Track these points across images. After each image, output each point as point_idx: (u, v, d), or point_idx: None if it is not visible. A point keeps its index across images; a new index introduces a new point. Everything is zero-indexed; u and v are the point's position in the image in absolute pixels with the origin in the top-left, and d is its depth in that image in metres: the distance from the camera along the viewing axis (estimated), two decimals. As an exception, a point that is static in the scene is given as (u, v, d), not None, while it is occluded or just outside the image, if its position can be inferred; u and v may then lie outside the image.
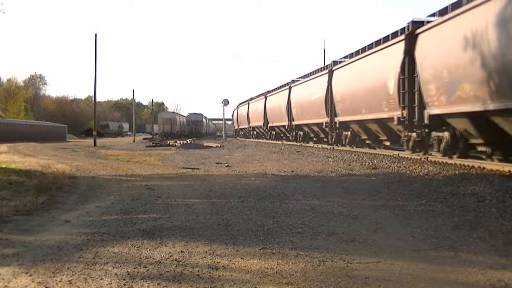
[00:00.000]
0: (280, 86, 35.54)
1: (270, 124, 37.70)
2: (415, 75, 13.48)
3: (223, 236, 4.96)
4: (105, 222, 5.69)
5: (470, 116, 10.91)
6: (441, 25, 12.09)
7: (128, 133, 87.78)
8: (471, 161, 11.04)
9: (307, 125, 27.13)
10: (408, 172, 10.66)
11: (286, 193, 7.86)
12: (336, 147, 20.87)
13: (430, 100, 12.69)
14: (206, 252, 4.33)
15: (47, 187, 8.21)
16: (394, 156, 14.50)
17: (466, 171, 10.04)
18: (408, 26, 14.24)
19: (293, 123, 29.98)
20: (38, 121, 56.72)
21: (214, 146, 29.92)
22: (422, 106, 13.20)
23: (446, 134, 12.54)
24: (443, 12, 12.45)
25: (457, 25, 11.19)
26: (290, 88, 30.84)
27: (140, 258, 4.15)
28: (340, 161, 14.31)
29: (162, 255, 4.22)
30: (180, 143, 33.59)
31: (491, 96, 9.85)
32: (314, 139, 27.07)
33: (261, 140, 39.26)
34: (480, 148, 11.74)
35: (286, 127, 31.67)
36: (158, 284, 3.46)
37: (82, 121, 78.02)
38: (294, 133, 30.60)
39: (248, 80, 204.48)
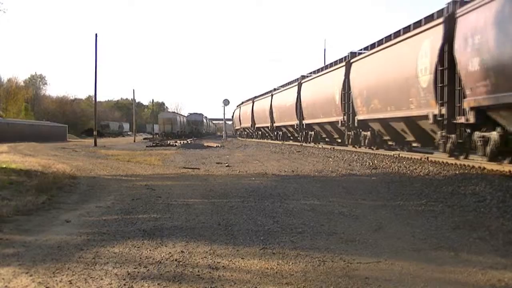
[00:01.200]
0: (265, 93, 41.25)
1: (256, 125, 43.48)
2: (350, 91, 18.96)
3: (223, 236, 4.96)
4: (106, 222, 5.69)
5: (380, 121, 16.19)
6: (362, 60, 17.96)
7: (129, 133, 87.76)
8: (472, 161, 11.08)
9: (285, 126, 32.67)
10: (408, 172, 10.66)
11: (286, 193, 7.86)
12: (337, 147, 21.51)
13: (358, 110, 18.27)
14: (207, 252, 4.33)
15: (47, 187, 8.23)
16: (395, 156, 14.58)
17: (466, 171, 10.05)
18: (348, 56, 20.05)
19: (274, 124, 35.59)
20: (39, 121, 56.63)
21: (215, 146, 29.91)
22: (354, 113, 18.75)
23: (368, 133, 17.98)
24: (366, 48, 18.09)
25: (369, 60, 17.12)
26: (272, 95, 36.30)
27: (140, 258, 4.14)
28: (340, 161, 14.32)
29: (162, 255, 4.21)
30: (180, 143, 33.61)
31: (387, 108, 15.16)
32: (291, 138, 32.07)
33: (261, 140, 39.52)
34: (390, 143, 16.79)
35: (269, 128, 37.32)
36: (158, 284, 3.46)
37: (83, 121, 77.95)
38: (276, 133, 36.00)
39: (248, 80, 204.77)
